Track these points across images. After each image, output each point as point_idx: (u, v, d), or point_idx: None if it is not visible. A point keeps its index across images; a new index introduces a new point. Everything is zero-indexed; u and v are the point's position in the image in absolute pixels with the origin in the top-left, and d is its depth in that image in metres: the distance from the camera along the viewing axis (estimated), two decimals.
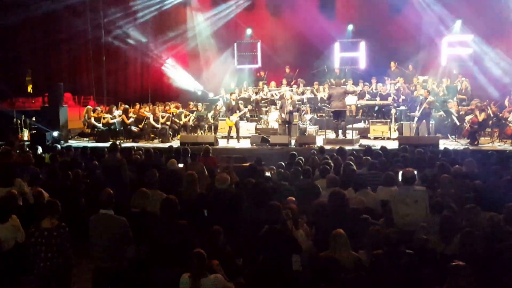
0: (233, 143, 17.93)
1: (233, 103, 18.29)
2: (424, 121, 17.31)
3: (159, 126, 18.94)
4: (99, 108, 20.47)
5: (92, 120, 19.52)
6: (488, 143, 16.51)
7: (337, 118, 17.18)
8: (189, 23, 25.05)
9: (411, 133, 17.36)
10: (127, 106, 20.22)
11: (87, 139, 19.59)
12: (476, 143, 16.07)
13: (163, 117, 19.20)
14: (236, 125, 18.21)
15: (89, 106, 20.61)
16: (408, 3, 22.39)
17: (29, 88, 20.34)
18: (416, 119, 17.45)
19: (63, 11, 22.63)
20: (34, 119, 18.39)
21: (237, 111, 18.01)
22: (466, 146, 15.11)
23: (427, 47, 22.09)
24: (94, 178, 10.67)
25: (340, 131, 17.26)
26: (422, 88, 18.97)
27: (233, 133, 18.42)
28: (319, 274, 5.67)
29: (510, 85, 19.91)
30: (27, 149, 14.07)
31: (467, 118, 16.81)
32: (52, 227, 6.51)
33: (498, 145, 16.06)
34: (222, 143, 17.73)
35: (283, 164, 11.41)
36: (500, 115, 17.08)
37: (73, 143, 18.01)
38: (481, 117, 16.08)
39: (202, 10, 24.96)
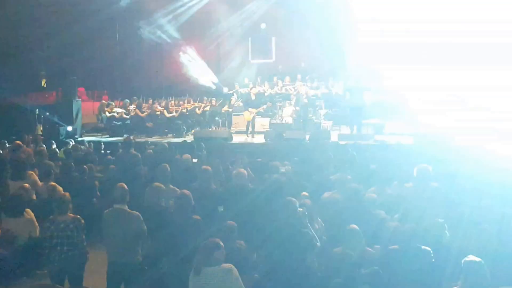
0: (247, 139, 17.93)
1: (253, 97, 18.31)
2: None
3: (174, 114, 18.93)
4: (113, 103, 20.51)
5: (106, 114, 19.58)
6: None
7: (355, 113, 17.00)
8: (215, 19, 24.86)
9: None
10: (140, 100, 20.27)
11: (101, 134, 19.67)
12: None
13: (176, 111, 19.23)
14: (252, 120, 18.20)
15: (103, 101, 20.66)
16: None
17: (43, 83, 20.39)
18: None
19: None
20: (48, 113, 18.45)
21: (256, 106, 18.08)
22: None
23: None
24: (108, 173, 10.70)
25: (355, 127, 17.13)
26: None
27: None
28: (333, 270, 5.63)
29: None
30: (41, 143, 14.14)
31: None
32: (68, 220, 6.59)
33: None
34: (236, 138, 17.70)
35: (298, 159, 11.36)
36: None
37: (86, 138, 18.06)
38: None
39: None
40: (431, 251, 5.98)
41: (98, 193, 10.09)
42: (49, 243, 6.54)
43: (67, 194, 6.97)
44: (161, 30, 23.62)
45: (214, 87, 23.57)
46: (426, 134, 16.20)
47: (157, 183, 7.49)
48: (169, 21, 23.82)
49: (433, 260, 5.95)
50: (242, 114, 18.96)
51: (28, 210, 7.50)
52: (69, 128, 18.00)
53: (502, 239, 6.31)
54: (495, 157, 10.96)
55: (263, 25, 24.48)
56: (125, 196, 6.66)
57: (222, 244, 5.54)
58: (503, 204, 7.12)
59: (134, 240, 6.56)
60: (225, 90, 22.68)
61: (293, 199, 6.39)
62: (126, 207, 6.64)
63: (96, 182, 10.23)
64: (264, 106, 18.97)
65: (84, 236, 6.75)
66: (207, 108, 20.33)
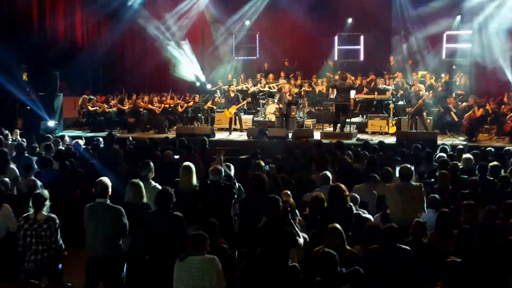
0: (230, 135, 17.89)
1: (232, 94, 18.30)
2: (418, 117, 17.28)
3: (156, 110, 18.87)
4: (95, 98, 20.34)
5: (88, 109, 19.42)
6: (486, 140, 16.47)
7: (339, 112, 17.01)
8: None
9: (409, 129, 17.33)
10: (123, 96, 20.14)
11: (82, 129, 19.46)
12: (474, 139, 16.02)
13: (159, 107, 19.15)
14: (238, 116, 18.24)
15: (85, 96, 20.48)
16: None
17: (24, 76, 20.11)
18: (408, 114, 17.49)
19: None
20: (28, 107, 18.21)
21: (236, 103, 18.04)
22: (464, 142, 15.04)
23: (427, 42, 21.93)
24: (89, 168, 10.61)
25: (338, 125, 17.14)
26: (419, 83, 18.94)
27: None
28: (315, 269, 5.62)
29: (510, 82, 19.85)
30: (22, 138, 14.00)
31: (466, 114, 16.76)
32: (42, 220, 6.50)
33: (496, 142, 16.00)
34: (218, 135, 17.65)
35: (280, 157, 11.35)
36: (499, 111, 17.01)
37: (68, 132, 17.89)
38: (478, 112, 16.02)
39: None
40: (412, 251, 5.98)
41: (79, 188, 10.06)
42: (23, 241, 6.48)
43: (45, 190, 6.89)
44: (147, 24, 23.39)
45: (198, 83, 23.41)
46: (408, 133, 16.32)
47: (137, 179, 7.42)
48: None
49: (414, 260, 5.94)
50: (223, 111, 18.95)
51: (5, 204, 7.40)
52: (51, 123, 17.78)
53: (483, 239, 6.33)
54: None
55: (247, 22, 24.40)
56: (106, 190, 6.59)
57: (205, 235, 5.70)
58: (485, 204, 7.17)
59: (115, 234, 6.51)
60: (209, 86, 22.59)
61: (276, 196, 6.37)
62: (107, 201, 6.58)
63: (78, 177, 10.17)
64: (244, 102, 18.93)
65: (59, 236, 6.66)
66: (190, 104, 20.25)
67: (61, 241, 6.71)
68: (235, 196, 7.86)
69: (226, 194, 7.75)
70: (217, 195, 7.70)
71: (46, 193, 6.75)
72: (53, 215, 6.60)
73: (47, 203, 6.62)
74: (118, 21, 22.99)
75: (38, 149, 12.44)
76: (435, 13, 21.33)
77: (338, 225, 6.09)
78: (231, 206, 7.79)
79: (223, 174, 7.97)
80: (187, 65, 23.47)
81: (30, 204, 6.58)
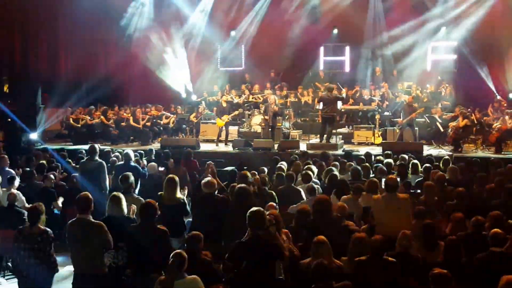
0: (217, 147, 17.83)
1: (224, 105, 18.31)
2: (408, 127, 17.29)
3: (140, 125, 18.73)
4: (77, 110, 20.12)
5: (71, 121, 19.21)
6: (471, 149, 16.52)
7: (326, 123, 16.94)
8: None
9: (395, 139, 17.34)
10: (106, 107, 19.96)
11: (65, 141, 19.21)
12: (460, 150, 16.06)
13: (143, 119, 18.99)
14: (226, 127, 18.20)
15: (68, 108, 20.28)
16: (392, 9, 22.38)
17: (5, 88, 19.90)
18: (399, 125, 17.50)
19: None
20: (10, 120, 17.94)
21: (228, 113, 18.08)
22: (450, 153, 15.05)
23: (412, 53, 22.03)
24: (72, 182, 10.49)
25: (325, 136, 17.06)
26: (404, 94, 19.02)
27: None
28: (301, 281, 5.55)
29: (494, 92, 20.03)
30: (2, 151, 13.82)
31: (451, 124, 16.80)
32: (37, 233, 6.54)
33: (482, 152, 16.04)
34: (203, 147, 17.54)
35: (266, 169, 11.28)
36: (484, 121, 17.08)
37: (50, 145, 17.67)
38: (463, 123, 16.05)
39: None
40: (398, 263, 5.94)
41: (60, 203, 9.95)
42: (17, 254, 6.52)
43: (41, 204, 6.87)
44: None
45: (184, 94, 23.22)
46: (394, 144, 16.31)
47: (120, 192, 7.31)
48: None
49: (400, 272, 5.89)
50: (212, 122, 18.93)
51: None
52: (33, 135, 17.56)
53: (470, 251, 6.28)
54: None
55: (232, 33, 24.38)
56: (88, 206, 6.51)
57: (185, 255, 5.59)
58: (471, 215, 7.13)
59: (99, 250, 6.42)
60: (194, 97, 22.47)
61: (261, 209, 6.28)
62: (90, 217, 6.49)
63: (60, 191, 10.06)
64: (236, 112, 18.91)
65: (52, 249, 6.69)
66: (175, 116, 20.14)
67: (54, 255, 6.74)
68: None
69: (221, 207, 7.68)
70: (211, 208, 7.64)
71: (42, 206, 6.81)
72: (47, 229, 6.66)
73: (43, 216, 6.72)
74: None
75: (19, 161, 12.29)
76: (418, 25, 21.54)
77: (324, 237, 6.02)
78: (222, 219, 7.70)
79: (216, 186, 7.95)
80: (178, 74, 23.36)
81: (12, 217, 6.54)
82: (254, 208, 6.19)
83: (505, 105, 18.51)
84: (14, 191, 8.96)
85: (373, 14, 22.66)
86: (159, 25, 23.52)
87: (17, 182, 9.68)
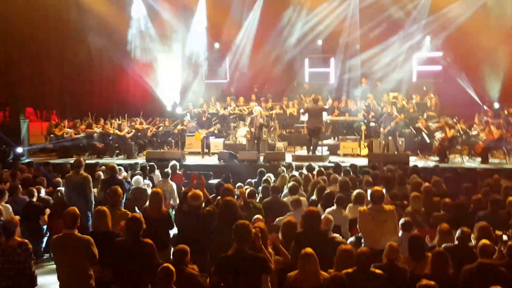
0: (201, 159, 17.77)
1: (204, 118, 18.31)
2: (390, 138, 17.36)
3: (124, 134, 18.62)
4: (62, 123, 19.99)
5: (56, 134, 19.07)
6: (457, 160, 16.61)
7: (312, 135, 16.92)
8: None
9: (381, 150, 17.38)
10: (90, 121, 19.86)
11: (50, 155, 19.05)
12: (446, 160, 16.12)
13: (128, 132, 18.88)
14: (207, 141, 18.25)
15: (52, 121, 20.16)
16: (373, 20, 22.52)
17: None
18: (382, 135, 17.58)
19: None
20: None
21: (206, 127, 17.99)
22: (436, 164, 15.11)
23: (398, 63, 22.17)
24: (57, 196, 10.41)
25: (311, 147, 17.05)
26: (389, 105, 19.11)
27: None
28: None
29: (481, 102, 20.20)
30: None
31: (437, 135, 16.87)
32: (15, 245, 6.48)
33: (468, 163, 16.11)
34: (189, 159, 17.46)
35: (252, 181, 11.24)
36: (470, 132, 17.19)
37: (34, 159, 17.52)
38: (450, 134, 16.13)
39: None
40: (385, 275, 5.92)
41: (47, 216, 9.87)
42: None
43: (16, 217, 6.80)
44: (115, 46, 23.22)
45: (171, 107, 23.13)
46: (380, 155, 16.36)
47: (106, 206, 7.25)
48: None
49: (388, 284, 5.88)
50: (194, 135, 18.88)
51: None
52: (19, 150, 17.41)
53: (457, 262, 6.27)
54: None
55: (216, 45, 24.41)
56: (74, 220, 6.45)
57: (172, 269, 5.58)
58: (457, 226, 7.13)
59: (85, 265, 6.35)
60: (179, 110, 22.40)
61: (247, 222, 6.24)
62: (76, 232, 6.43)
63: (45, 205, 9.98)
64: (212, 129, 18.81)
65: (32, 261, 6.64)
66: (160, 128, 20.07)
67: (33, 268, 6.69)
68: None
69: (207, 220, 7.63)
70: (197, 221, 7.59)
71: (16, 219, 6.69)
72: (26, 241, 6.62)
73: (18, 229, 6.54)
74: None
75: (3, 176, 12.18)
76: (404, 36, 21.72)
77: (311, 250, 5.98)
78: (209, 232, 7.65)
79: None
80: (168, 87, 23.36)
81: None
82: (239, 222, 6.16)
83: (490, 115, 18.65)
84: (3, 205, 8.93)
85: (355, 25, 22.82)
86: (151, 38, 23.63)
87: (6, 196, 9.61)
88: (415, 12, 21.99)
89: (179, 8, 23.83)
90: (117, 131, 18.75)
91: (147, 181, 11.74)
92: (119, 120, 20.37)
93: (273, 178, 11.39)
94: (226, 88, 24.24)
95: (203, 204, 8.00)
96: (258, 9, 23.67)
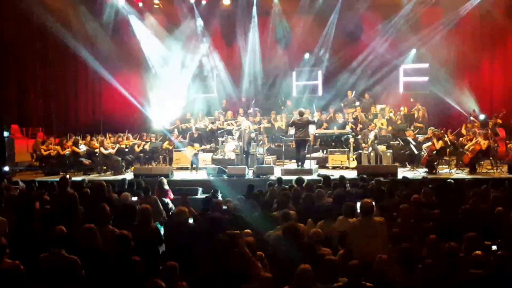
0: (189, 175, 17.70)
1: (196, 135, 18.31)
2: (372, 152, 17.51)
3: (109, 151, 18.49)
4: (48, 140, 19.85)
5: (42, 152, 18.92)
6: (445, 171, 16.65)
7: (299, 148, 16.92)
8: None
9: (369, 162, 17.43)
10: (77, 137, 19.75)
11: (36, 172, 18.92)
12: (434, 171, 16.15)
13: (112, 148, 18.74)
14: (196, 157, 18.26)
15: (38, 139, 20.02)
16: (364, 32, 22.67)
17: None
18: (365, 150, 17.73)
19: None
20: None
21: (197, 144, 18.09)
22: (424, 175, 15.13)
23: (384, 75, 22.29)
24: (43, 214, 10.26)
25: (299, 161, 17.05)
26: (382, 117, 19.22)
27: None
28: None
29: (466, 113, 20.30)
30: None
31: (425, 146, 16.92)
32: (5, 267, 6.32)
33: (456, 174, 16.15)
34: (177, 175, 17.37)
35: (241, 196, 11.18)
36: (458, 142, 17.25)
37: (20, 177, 17.36)
38: (438, 145, 16.17)
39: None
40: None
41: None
42: None
43: (3, 238, 6.66)
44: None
45: (155, 123, 23.02)
46: (368, 167, 16.38)
47: (92, 224, 7.16)
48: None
49: None
50: (183, 150, 18.81)
51: None
52: (6, 168, 17.25)
53: (446, 274, 6.25)
54: None
55: (204, 60, 24.44)
56: (62, 239, 6.42)
57: (164, 285, 5.57)
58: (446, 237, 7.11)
59: (72, 286, 6.27)
60: (167, 125, 22.33)
61: (235, 237, 6.20)
62: (63, 251, 6.38)
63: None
64: (207, 146, 18.85)
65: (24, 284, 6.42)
66: (147, 144, 20.00)
67: None
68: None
69: (193, 236, 7.58)
70: (184, 237, 7.54)
71: (4, 240, 6.54)
72: (17, 262, 6.43)
73: (7, 251, 6.44)
74: None
75: None
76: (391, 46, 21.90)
77: (308, 266, 5.89)
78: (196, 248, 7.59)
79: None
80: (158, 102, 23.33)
81: None
82: (226, 237, 6.12)
83: (477, 125, 18.75)
84: None
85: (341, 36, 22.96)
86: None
87: None
88: (401, 25, 22.15)
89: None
90: (101, 148, 18.63)
91: (135, 198, 11.63)
92: (104, 137, 20.24)
93: (262, 192, 11.33)
94: (214, 102, 24.23)
95: (191, 220, 7.97)
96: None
